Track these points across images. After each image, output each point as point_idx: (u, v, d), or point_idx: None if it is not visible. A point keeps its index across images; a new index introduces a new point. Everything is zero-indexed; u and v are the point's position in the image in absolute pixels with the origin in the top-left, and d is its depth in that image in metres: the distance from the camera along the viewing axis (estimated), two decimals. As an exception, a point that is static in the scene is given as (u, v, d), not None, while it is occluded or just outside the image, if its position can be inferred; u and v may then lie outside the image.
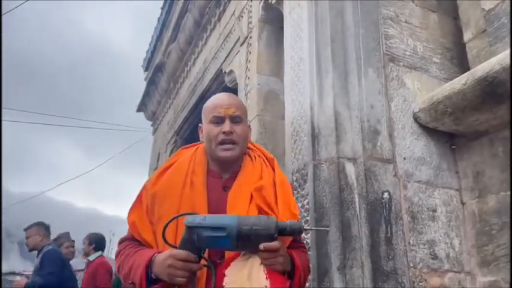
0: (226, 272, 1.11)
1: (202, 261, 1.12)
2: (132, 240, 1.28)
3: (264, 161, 1.36)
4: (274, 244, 1.10)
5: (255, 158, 1.37)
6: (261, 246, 1.08)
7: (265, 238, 1.08)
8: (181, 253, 1.08)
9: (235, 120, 1.33)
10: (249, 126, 1.43)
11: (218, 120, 1.32)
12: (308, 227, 1.20)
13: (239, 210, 1.19)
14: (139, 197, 1.32)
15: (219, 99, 1.38)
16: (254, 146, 1.44)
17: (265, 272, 1.10)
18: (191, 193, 1.24)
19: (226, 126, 1.30)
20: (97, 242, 4.62)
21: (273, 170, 1.35)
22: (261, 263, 1.11)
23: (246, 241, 1.07)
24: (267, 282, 1.08)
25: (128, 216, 1.30)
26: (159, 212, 1.23)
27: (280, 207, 1.24)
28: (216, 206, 1.22)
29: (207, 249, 1.13)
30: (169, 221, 1.12)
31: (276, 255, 1.11)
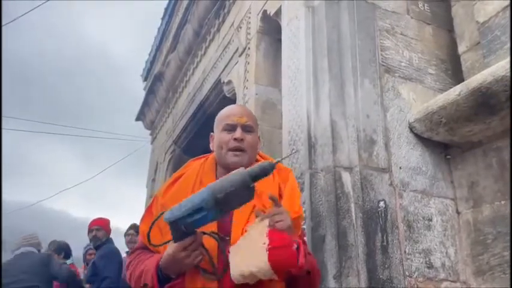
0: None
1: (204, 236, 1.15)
2: (143, 249, 1.32)
3: (275, 171, 1.38)
4: (275, 210, 1.14)
5: None
6: (257, 212, 1.15)
7: (243, 192, 1.07)
8: (180, 244, 1.11)
9: (247, 129, 1.37)
10: (259, 137, 1.47)
11: (230, 128, 1.36)
12: (279, 159, 1.17)
13: (242, 221, 1.21)
14: (150, 207, 1.36)
15: (232, 108, 1.44)
16: (262, 157, 1.45)
17: (267, 231, 1.10)
18: None
19: (238, 133, 1.34)
20: (65, 251, 4.84)
21: (285, 179, 1.36)
22: (268, 225, 1.12)
23: (228, 204, 1.07)
24: (266, 240, 1.09)
25: (140, 225, 1.34)
26: None
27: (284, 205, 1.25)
28: (222, 219, 1.24)
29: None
30: (155, 219, 1.15)
31: (281, 211, 1.14)
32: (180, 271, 1.16)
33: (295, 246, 1.11)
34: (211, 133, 1.46)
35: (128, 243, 4.40)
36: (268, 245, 1.08)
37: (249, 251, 1.09)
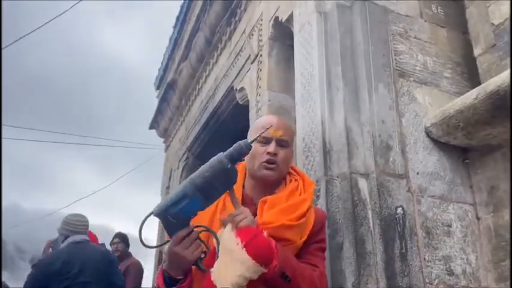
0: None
1: (198, 229, 1.16)
2: None
3: (298, 184, 1.37)
4: (233, 212, 1.16)
5: (290, 181, 1.38)
6: (221, 217, 1.18)
7: (223, 174, 1.08)
8: (174, 239, 1.11)
9: (281, 143, 1.36)
10: (292, 151, 1.45)
11: (265, 141, 1.35)
12: (254, 138, 1.18)
13: None
14: None
15: (269, 120, 1.41)
16: (295, 171, 1.44)
17: (235, 232, 1.13)
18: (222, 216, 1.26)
19: (272, 147, 1.33)
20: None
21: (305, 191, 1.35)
22: (231, 228, 1.14)
23: (211, 190, 1.08)
24: (237, 240, 1.10)
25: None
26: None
27: (274, 210, 1.25)
28: None
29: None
30: (146, 217, 1.15)
31: (240, 211, 1.16)
32: (182, 267, 1.13)
33: (265, 233, 1.13)
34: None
35: (113, 251, 4.42)
36: (242, 242, 1.09)
37: (229, 259, 1.10)
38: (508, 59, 2.16)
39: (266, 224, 1.19)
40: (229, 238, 1.11)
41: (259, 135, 1.22)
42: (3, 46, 5.45)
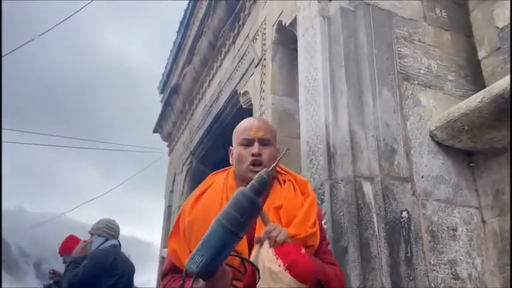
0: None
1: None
2: (176, 272, 1.28)
3: (293, 184, 1.38)
4: (267, 229, 1.12)
5: (284, 181, 1.39)
6: (257, 237, 1.12)
7: (256, 213, 1.06)
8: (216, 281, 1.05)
9: (264, 142, 1.36)
10: (278, 149, 1.45)
11: (248, 143, 1.36)
12: (273, 164, 1.15)
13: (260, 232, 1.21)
14: (176, 225, 1.34)
15: (249, 122, 1.43)
16: (284, 170, 1.45)
17: (273, 252, 1.10)
18: None
19: (255, 148, 1.34)
20: None
21: (303, 192, 1.35)
22: (269, 246, 1.12)
23: (244, 230, 1.04)
24: (279, 261, 1.08)
25: (168, 244, 1.32)
26: (198, 239, 1.23)
27: (296, 222, 1.25)
28: (248, 232, 1.23)
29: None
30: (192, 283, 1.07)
31: (273, 227, 1.13)
32: None
33: (302, 250, 1.12)
34: (231, 147, 1.45)
35: None
36: (284, 264, 1.07)
37: (271, 280, 1.08)
38: (513, 62, 2.15)
39: (295, 237, 1.20)
40: (270, 259, 1.09)
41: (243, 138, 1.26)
42: (9, 51, 5.49)
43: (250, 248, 1.21)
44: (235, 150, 1.39)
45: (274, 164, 1.14)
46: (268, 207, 1.29)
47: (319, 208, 1.43)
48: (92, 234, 3.26)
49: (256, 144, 1.35)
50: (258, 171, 1.32)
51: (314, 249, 1.28)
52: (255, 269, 1.12)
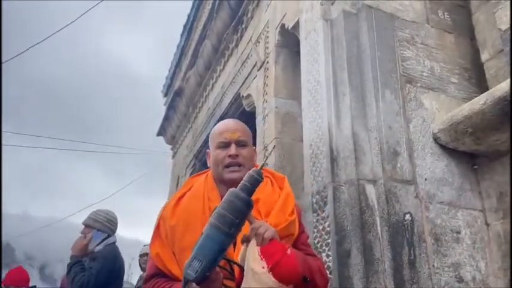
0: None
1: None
2: (160, 277, 1.28)
3: (271, 180, 1.40)
4: (253, 226, 1.11)
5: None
6: (244, 236, 1.11)
7: (247, 210, 1.05)
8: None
9: (241, 144, 1.38)
10: (254, 149, 1.47)
11: (224, 145, 1.37)
12: (262, 163, 1.14)
13: (245, 231, 1.21)
14: (157, 229, 1.34)
15: (224, 125, 1.44)
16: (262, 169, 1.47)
17: (259, 251, 1.09)
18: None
19: (232, 149, 1.36)
20: None
21: (280, 187, 1.37)
22: (256, 244, 1.10)
23: (239, 228, 1.04)
24: (263, 263, 1.07)
25: (150, 248, 1.32)
26: (181, 242, 1.25)
27: (275, 212, 1.26)
28: None
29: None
30: None
31: (260, 224, 1.12)
32: None
33: (289, 250, 1.11)
34: (208, 150, 1.47)
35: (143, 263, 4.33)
36: (267, 265, 1.06)
37: (256, 282, 1.07)
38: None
39: (276, 226, 1.20)
40: (254, 258, 1.08)
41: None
42: (12, 55, 5.54)
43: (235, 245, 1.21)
44: (212, 153, 1.41)
45: (262, 163, 1.15)
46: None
47: (297, 202, 1.44)
48: (89, 226, 2.85)
49: (233, 146, 1.36)
50: (236, 171, 1.33)
51: (294, 238, 1.28)
52: (241, 269, 1.11)
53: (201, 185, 1.39)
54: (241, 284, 1.12)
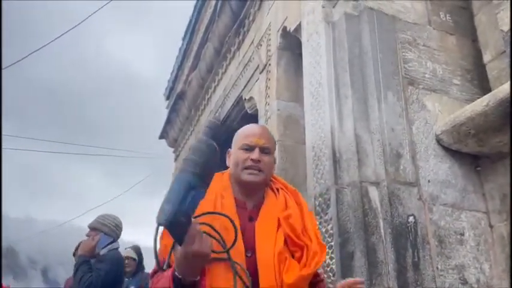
0: None
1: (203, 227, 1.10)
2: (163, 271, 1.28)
3: (286, 193, 1.41)
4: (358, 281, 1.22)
5: (278, 190, 1.42)
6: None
7: (213, 155, 1.05)
8: (189, 239, 1.02)
9: (265, 151, 1.39)
10: (275, 159, 1.48)
11: (248, 148, 1.38)
12: (211, 119, 1.15)
13: (267, 240, 1.22)
14: None
15: (251, 129, 1.45)
16: (275, 179, 1.48)
17: None
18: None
19: (255, 154, 1.36)
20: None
21: (297, 202, 1.38)
22: None
23: (209, 174, 1.05)
24: None
25: (160, 241, 1.32)
26: None
27: (312, 236, 1.28)
28: (243, 234, 1.25)
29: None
30: (156, 235, 1.10)
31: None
32: (201, 266, 1.09)
33: None
34: (229, 149, 1.47)
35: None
36: None
37: None
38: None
39: (322, 253, 1.27)
40: None
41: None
42: (15, 59, 5.57)
43: (247, 250, 1.21)
44: (234, 153, 1.42)
45: (223, 115, 1.17)
46: (271, 215, 1.31)
47: None
48: (96, 229, 2.89)
49: (256, 151, 1.37)
50: (256, 174, 1.34)
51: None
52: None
53: (216, 182, 1.39)
54: (255, 276, 1.14)
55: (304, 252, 1.26)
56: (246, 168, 1.35)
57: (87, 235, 2.88)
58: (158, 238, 1.24)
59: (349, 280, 1.28)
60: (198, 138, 1.02)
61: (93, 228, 2.91)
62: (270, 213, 1.32)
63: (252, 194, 1.38)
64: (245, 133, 1.42)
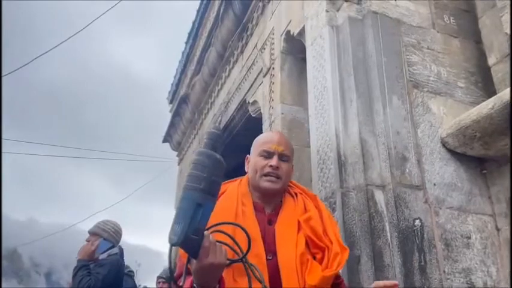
0: None
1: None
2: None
3: (305, 197, 1.42)
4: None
5: (296, 194, 1.43)
6: None
7: (217, 167, 1.04)
8: (203, 252, 1.02)
9: (283, 158, 1.41)
10: (293, 166, 1.50)
11: (267, 155, 1.40)
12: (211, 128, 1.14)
13: (288, 242, 1.23)
14: None
15: (271, 136, 1.48)
16: (294, 185, 1.50)
17: None
18: (244, 222, 1.26)
19: (274, 161, 1.38)
20: None
21: (316, 206, 1.40)
22: None
23: (215, 186, 1.03)
24: None
25: (179, 258, 1.32)
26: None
27: (332, 238, 1.30)
28: (263, 238, 1.25)
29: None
30: (170, 254, 1.08)
31: None
32: (218, 276, 1.08)
33: None
34: (248, 155, 1.48)
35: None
36: None
37: None
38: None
39: (343, 254, 1.30)
40: None
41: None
42: (22, 65, 5.60)
43: (268, 253, 1.22)
44: (253, 159, 1.43)
45: (227, 119, 1.17)
46: (291, 218, 1.31)
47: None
48: (96, 234, 2.93)
49: (275, 158, 1.39)
50: (274, 181, 1.35)
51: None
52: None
53: (235, 189, 1.41)
54: (277, 278, 1.15)
55: (326, 254, 1.27)
56: (265, 175, 1.37)
57: (87, 240, 2.92)
58: (174, 257, 1.25)
59: (386, 282, 1.29)
60: (197, 150, 1.01)
61: (93, 233, 2.95)
62: (289, 216, 1.33)
63: (270, 199, 1.39)
64: (264, 140, 1.45)
